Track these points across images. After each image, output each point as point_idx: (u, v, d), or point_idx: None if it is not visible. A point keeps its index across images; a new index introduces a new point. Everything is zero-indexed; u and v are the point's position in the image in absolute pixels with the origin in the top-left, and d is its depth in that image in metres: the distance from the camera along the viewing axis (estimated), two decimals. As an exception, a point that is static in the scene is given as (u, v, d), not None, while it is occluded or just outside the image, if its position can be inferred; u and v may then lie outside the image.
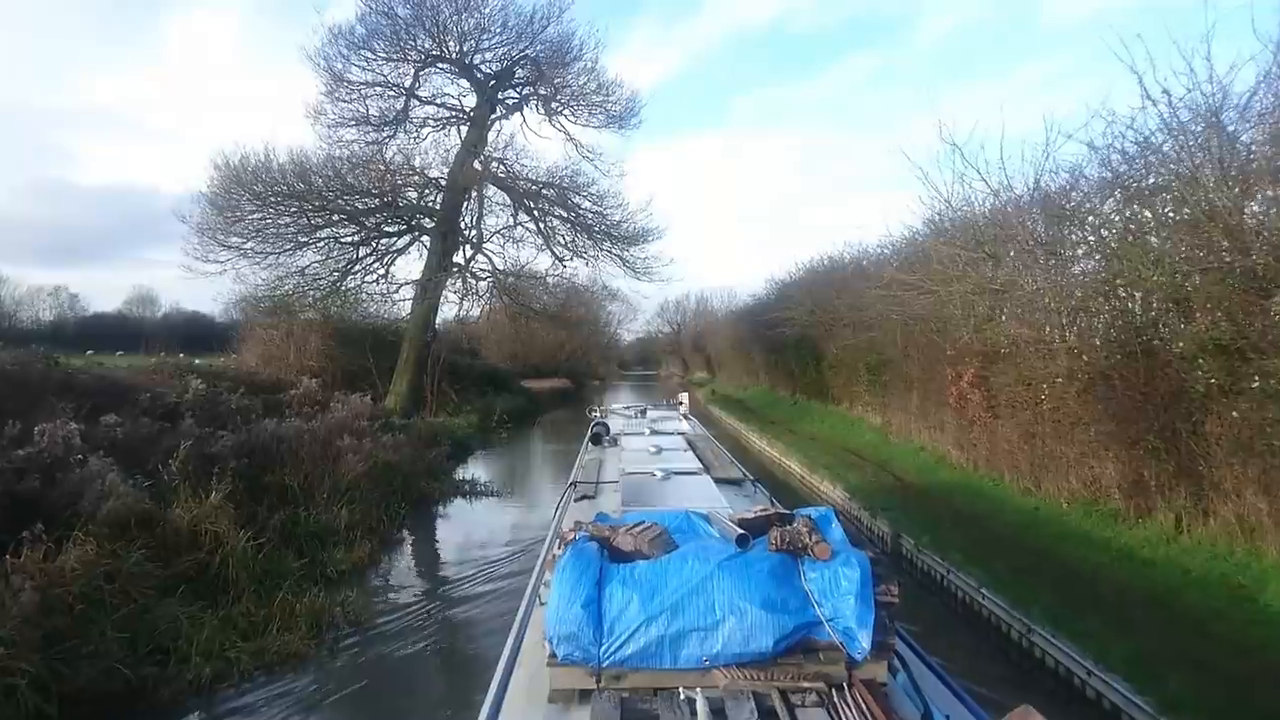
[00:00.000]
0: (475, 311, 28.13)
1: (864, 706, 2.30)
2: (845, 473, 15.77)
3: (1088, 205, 11.25)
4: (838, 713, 2.32)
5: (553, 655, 2.45)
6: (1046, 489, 11.52)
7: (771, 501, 5.24)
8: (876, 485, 14.52)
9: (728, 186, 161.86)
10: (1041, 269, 11.77)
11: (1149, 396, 8.91)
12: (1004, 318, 14.33)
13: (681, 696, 2.35)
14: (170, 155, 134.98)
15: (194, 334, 31.29)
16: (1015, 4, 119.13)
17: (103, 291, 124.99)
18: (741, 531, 2.82)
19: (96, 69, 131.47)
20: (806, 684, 2.41)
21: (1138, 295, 9.95)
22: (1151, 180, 9.35)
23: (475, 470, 19.00)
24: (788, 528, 2.79)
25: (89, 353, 31.72)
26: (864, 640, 2.41)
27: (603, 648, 2.41)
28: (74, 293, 61.90)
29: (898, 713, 2.39)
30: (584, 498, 5.73)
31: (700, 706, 2.26)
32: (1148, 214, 9.91)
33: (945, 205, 13.94)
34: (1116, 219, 9.98)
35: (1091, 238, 11.16)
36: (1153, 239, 9.72)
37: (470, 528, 13.24)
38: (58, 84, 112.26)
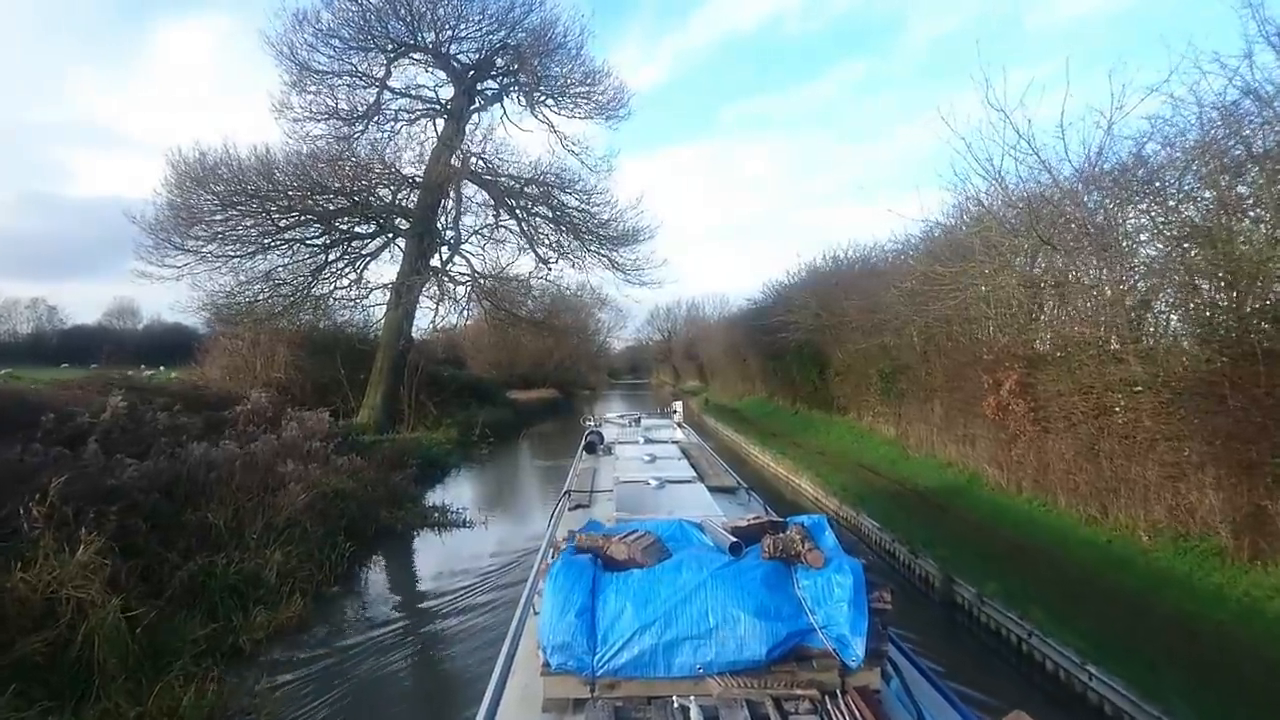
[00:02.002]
0: (453, 318, 26.20)
1: (858, 714, 2.27)
2: (866, 495, 13.94)
3: (1158, 182, 9.54)
4: None
5: (546, 664, 2.41)
6: (1116, 518, 9.73)
7: (765, 509, 5.02)
8: (904, 511, 12.68)
9: (718, 194, 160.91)
10: (1104, 256, 10.01)
11: (1270, 410, 7.13)
12: (1045, 317, 12.64)
13: (675, 705, 2.31)
14: (161, 166, 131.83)
15: (177, 345, 29.10)
16: (1000, 9, 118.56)
17: (96, 303, 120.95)
18: (734, 539, 2.78)
19: (90, 83, 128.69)
20: (800, 691, 2.34)
21: (1222, 280, 8.24)
22: (1267, 141, 7.58)
23: (450, 493, 17.04)
24: (781, 535, 2.75)
25: (63, 366, 29.53)
26: (857, 647, 2.35)
27: (596, 656, 2.37)
28: (52, 305, 58.47)
29: None
30: (578, 506, 5.66)
31: (694, 714, 2.24)
32: (1243, 187, 8.20)
33: (995, 182, 12.14)
34: (1217, 188, 8.19)
35: (1161, 220, 9.45)
36: (1254, 215, 8.03)
37: (435, 570, 11.15)
38: (51, 98, 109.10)
